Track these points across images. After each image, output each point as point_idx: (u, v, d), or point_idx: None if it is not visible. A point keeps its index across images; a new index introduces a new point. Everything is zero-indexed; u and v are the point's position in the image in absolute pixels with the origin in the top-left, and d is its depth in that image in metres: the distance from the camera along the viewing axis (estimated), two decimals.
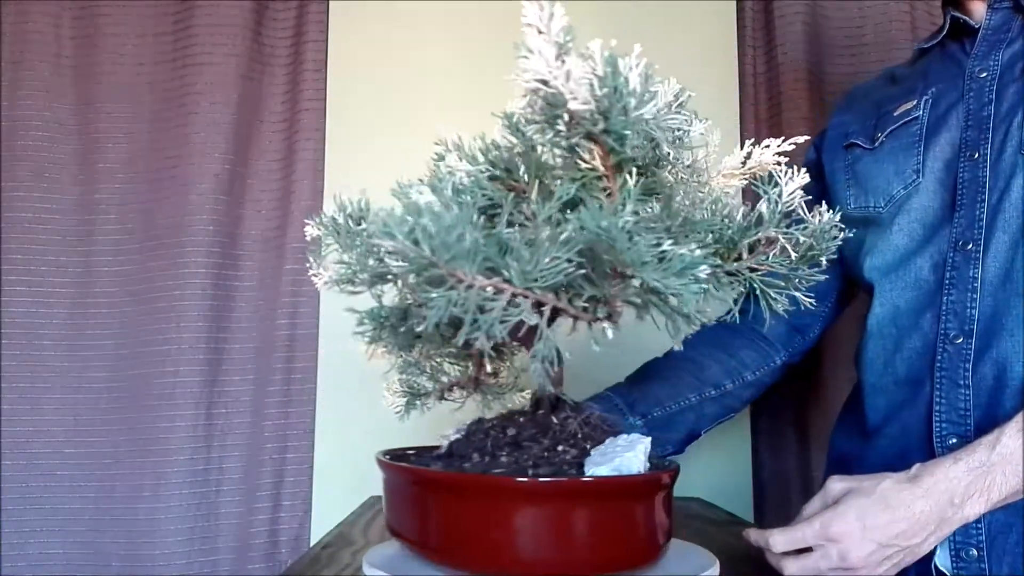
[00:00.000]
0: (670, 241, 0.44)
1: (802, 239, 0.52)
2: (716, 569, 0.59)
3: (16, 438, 1.28)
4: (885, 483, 0.67)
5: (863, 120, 0.93)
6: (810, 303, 0.58)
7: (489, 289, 0.45)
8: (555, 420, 0.57)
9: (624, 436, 0.56)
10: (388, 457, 0.60)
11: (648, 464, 0.55)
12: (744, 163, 0.62)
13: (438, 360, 0.65)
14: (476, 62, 1.38)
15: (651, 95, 0.46)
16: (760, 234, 0.51)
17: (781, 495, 1.35)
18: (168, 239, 1.31)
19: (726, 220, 0.54)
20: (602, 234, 0.43)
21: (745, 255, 0.53)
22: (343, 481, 1.29)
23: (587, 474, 0.52)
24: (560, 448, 0.54)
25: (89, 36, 1.37)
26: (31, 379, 1.30)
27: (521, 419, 0.58)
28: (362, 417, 1.29)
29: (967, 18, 0.86)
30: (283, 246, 1.36)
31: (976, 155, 0.80)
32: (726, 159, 0.63)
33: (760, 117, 1.41)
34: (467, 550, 0.53)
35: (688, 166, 0.61)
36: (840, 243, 0.58)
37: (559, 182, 0.51)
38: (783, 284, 0.56)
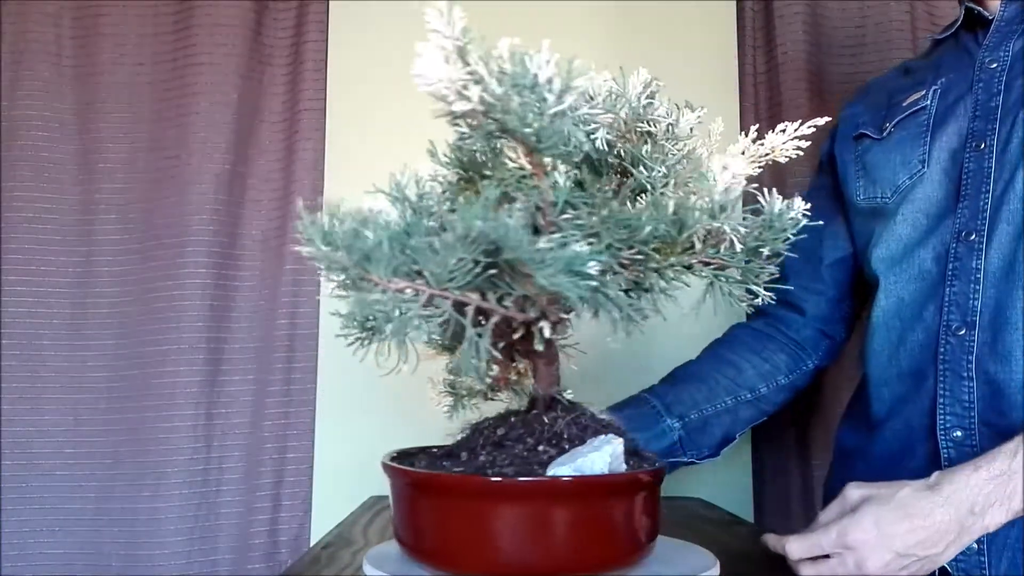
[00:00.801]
0: (546, 239, 0.44)
1: (743, 230, 0.50)
2: (716, 569, 0.59)
3: (16, 438, 1.28)
4: (904, 491, 0.66)
5: (875, 110, 0.94)
6: (770, 297, 0.55)
7: (409, 291, 0.45)
8: (546, 420, 0.57)
9: (602, 437, 0.55)
10: (392, 455, 0.60)
11: (624, 465, 0.54)
12: (756, 150, 0.61)
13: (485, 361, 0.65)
14: None
15: (578, 90, 0.46)
16: (697, 226, 0.49)
17: (781, 495, 1.35)
18: (168, 239, 1.31)
19: (657, 213, 0.51)
20: (488, 233, 0.44)
21: (699, 248, 0.51)
22: (343, 481, 1.29)
23: (547, 474, 0.52)
24: (540, 448, 0.54)
25: (89, 36, 1.37)
26: (31, 379, 1.30)
27: (513, 419, 0.59)
28: (362, 417, 1.29)
29: (981, 9, 0.86)
30: (283, 246, 1.36)
31: (982, 145, 0.80)
32: (730, 147, 0.62)
33: (760, 117, 1.41)
34: (437, 548, 0.54)
35: (685, 156, 0.60)
36: (795, 235, 0.55)
37: (484, 182, 0.51)
38: (740, 278, 0.54)
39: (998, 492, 0.65)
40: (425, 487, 0.55)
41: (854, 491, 0.68)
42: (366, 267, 0.45)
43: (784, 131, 0.62)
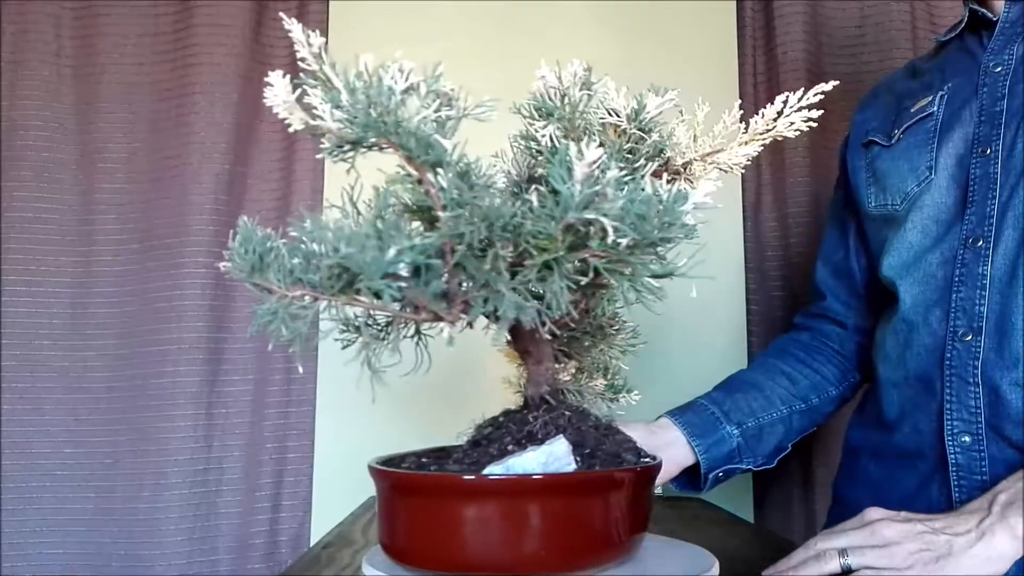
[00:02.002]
0: (372, 243, 0.45)
1: (605, 220, 0.46)
2: (716, 569, 0.59)
3: (16, 438, 1.28)
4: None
5: (884, 116, 0.93)
6: (658, 288, 0.50)
7: (308, 298, 0.48)
8: (530, 420, 0.57)
9: (554, 438, 0.55)
10: (382, 459, 0.61)
11: (572, 464, 0.54)
12: (756, 127, 0.60)
13: None
14: (476, 62, 1.38)
15: (438, 96, 0.48)
16: (564, 219, 0.46)
17: (781, 495, 1.35)
18: (168, 239, 1.31)
19: (522, 209, 0.49)
20: (334, 241, 0.46)
21: (593, 243, 0.48)
22: (343, 481, 1.29)
23: (483, 472, 0.52)
24: (510, 448, 0.55)
25: (89, 36, 1.37)
26: (31, 379, 1.30)
27: (502, 419, 0.59)
28: (362, 417, 1.29)
29: (985, 11, 0.85)
30: None
31: (988, 151, 0.80)
32: (715, 128, 0.61)
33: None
34: (396, 544, 0.55)
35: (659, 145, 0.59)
36: (689, 224, 0.52)
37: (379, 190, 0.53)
38: (631, 272, 0.50)
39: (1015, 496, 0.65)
40: (388, 485, 0.56)
41: (875, 512, 0.68)
42: (263, 275, 0.48)
43: (785, 102, 0.59)
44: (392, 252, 0.45)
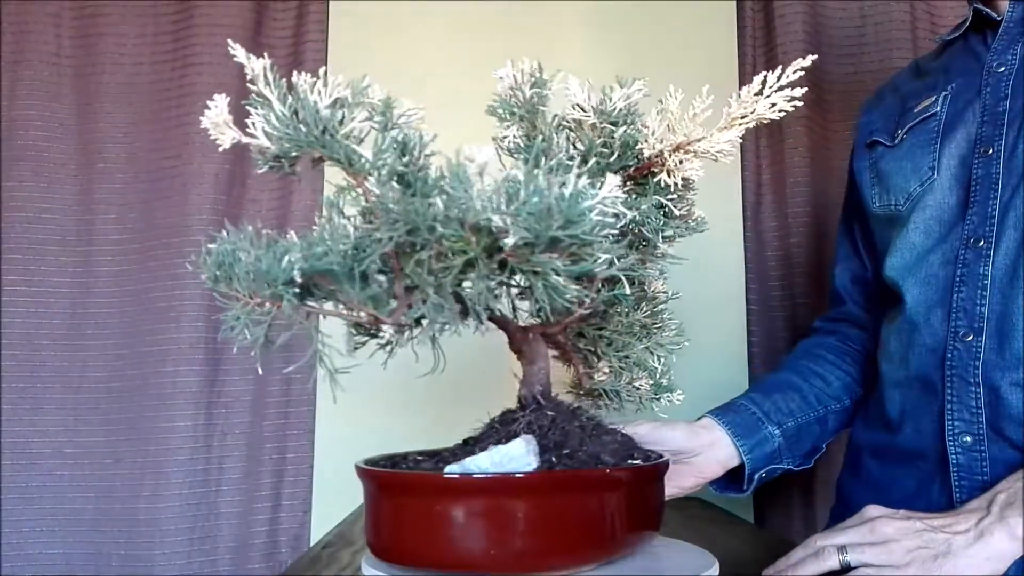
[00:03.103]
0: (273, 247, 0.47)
1: (497, 219, 0.44)
2: (716, 569, 0.59)
3: (16, 438, 1.28)
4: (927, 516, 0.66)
5: (888, 116, 0.93)
6: (576, 289, 0.48)
7: (267, 305, 0.50)
8: (519, 420, 0.57)
9: (517, 438, 0.55)
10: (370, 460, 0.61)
11: (532, 464, 0.53)
12: (735, 111, 0.60)
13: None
14: (476, 62, 1.38)
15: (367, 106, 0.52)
16: (468, 220, 0.45)
17: (781, 495, 1.35)
18: (168, 239, 1.32)
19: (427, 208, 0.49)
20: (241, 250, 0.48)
21: (504, 243, 0.46)
22: (343, 481, 1.28)
23: (444, 472, 0.53)
24: (492, 448, 0.55)
25: (89, 36, 1.37)
26: (31, 379, 1.30)
27: (496, 419, 0.59)
28: (362, 417, 1.29)
29: (990, 11, 0.85)
30: None
31: (990, 151, 0.80)
32: (687, 114, 0.60)
33: None
34: (378, 542, 0.56)
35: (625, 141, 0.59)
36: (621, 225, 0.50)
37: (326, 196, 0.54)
38: (540, 270, 0.47)
39: (1014, 497, 0.65)
40: (367, 483, 0.57)
41: (874, 509, 0.68)
42: (229, 284, 0.51)
43: (764, 82, 0.58)
44: (286, 260, 0.47)
